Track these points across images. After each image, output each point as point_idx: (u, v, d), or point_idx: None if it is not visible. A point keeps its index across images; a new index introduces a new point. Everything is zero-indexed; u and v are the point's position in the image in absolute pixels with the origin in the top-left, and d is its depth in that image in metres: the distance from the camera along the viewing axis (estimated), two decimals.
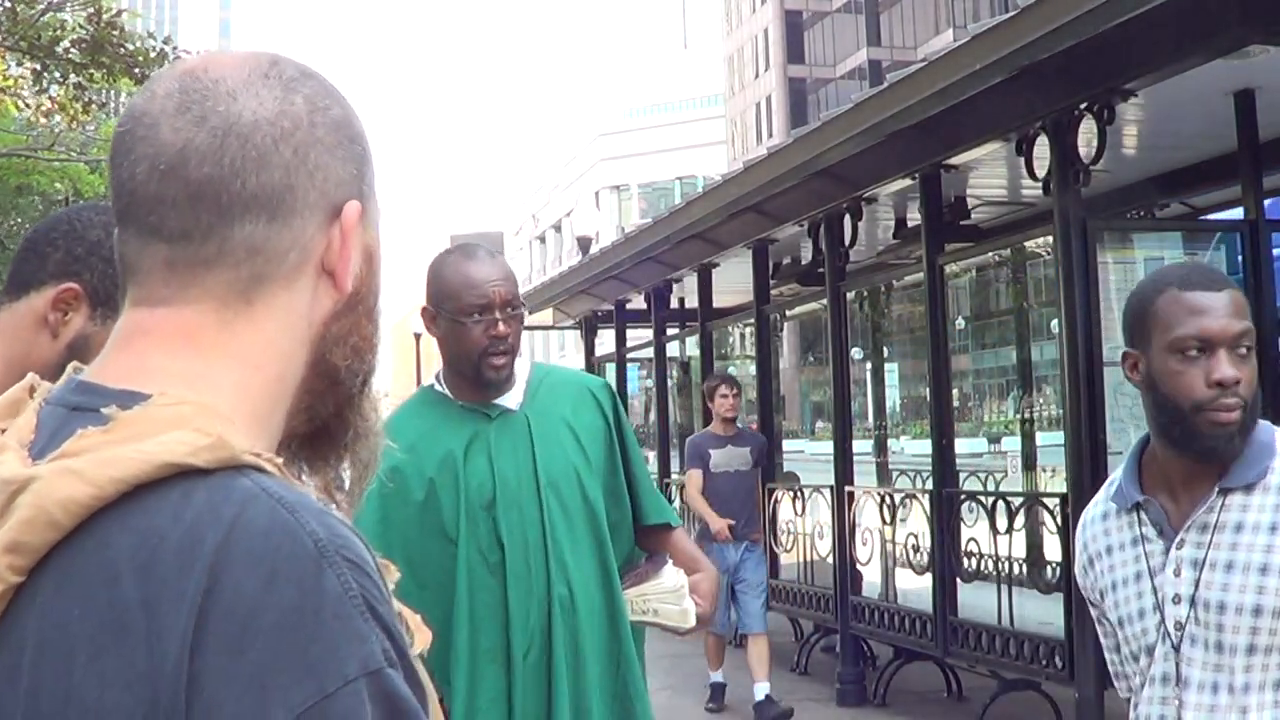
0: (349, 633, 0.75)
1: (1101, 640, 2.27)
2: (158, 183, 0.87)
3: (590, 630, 2.77)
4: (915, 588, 7.63)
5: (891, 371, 9.82)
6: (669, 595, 2.92)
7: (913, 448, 9.83)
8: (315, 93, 0.91)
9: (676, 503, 10.76)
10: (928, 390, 7.58)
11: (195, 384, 0.85)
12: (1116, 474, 2.18)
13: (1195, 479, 2.04)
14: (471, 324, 2.74)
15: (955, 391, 8.37)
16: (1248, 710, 1.97)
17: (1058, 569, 6.17)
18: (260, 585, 0.74)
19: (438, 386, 2.90)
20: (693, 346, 12.41)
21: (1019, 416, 8.23)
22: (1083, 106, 5.76)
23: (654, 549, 2.99)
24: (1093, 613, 2.27)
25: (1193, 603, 2.01)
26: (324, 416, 0.96)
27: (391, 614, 0.79)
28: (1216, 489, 2.01)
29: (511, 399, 2.84)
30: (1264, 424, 2.06)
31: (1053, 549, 6.39)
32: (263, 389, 0.89)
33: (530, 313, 16.26)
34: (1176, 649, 2.03)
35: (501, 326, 2.74)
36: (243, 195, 0.86)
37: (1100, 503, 2.21)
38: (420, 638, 0.90)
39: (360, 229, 0.92)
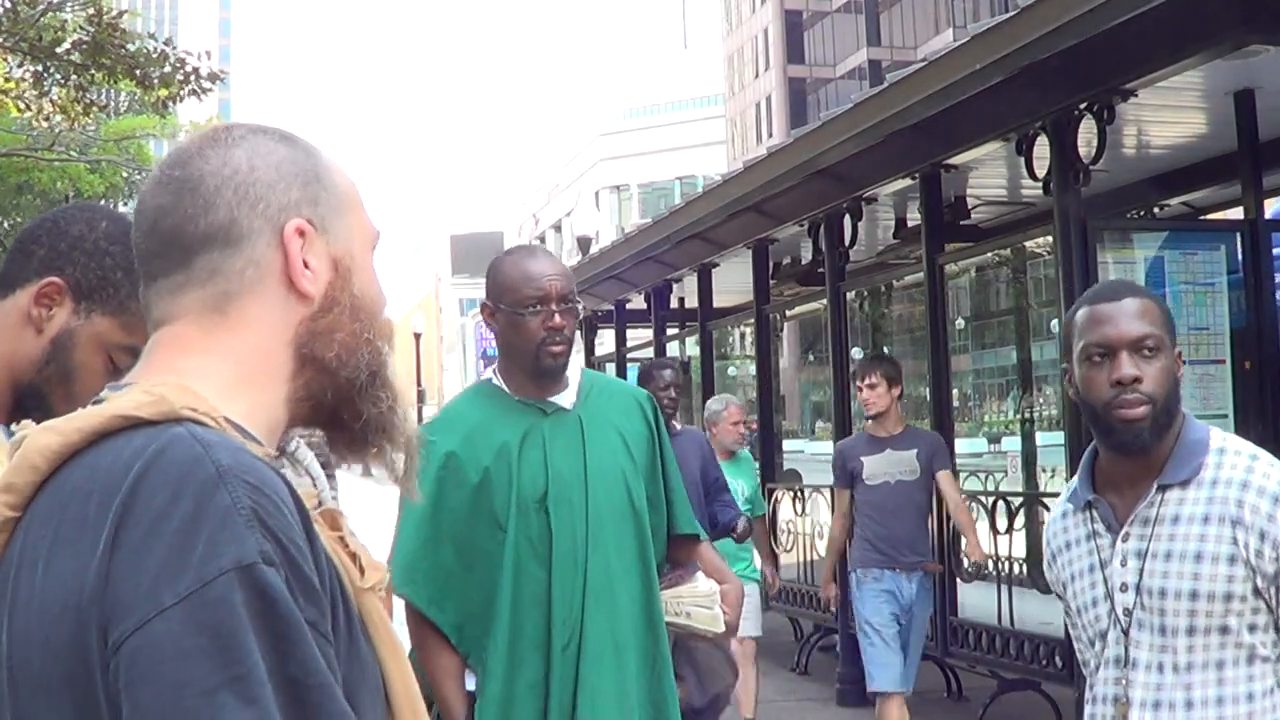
0: (230, 536, 0.92)
1: (1071, 630, 2.44)
2: (145, 240, 1.13)
3: (630, 628, 2.86)
4: None
5: None
6: (702, 599, 3.05)
7: None
8: (257, 144, 1.14)
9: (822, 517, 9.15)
10: (928, 390, 7.58)
11: (187, 376, 1.06)
12: (1075, 477, 2.36)
13: (1136, 478, 2.22)
14: (529, 315, 2.87)
15: (955, 391, 8.36)
16: (1191, 687, 2.14)
17: None
18: (165, 500, 0.93)
19: (495, 380, 3.01)
20: (693, 346, 12.41)
21: (1019, 416, 8.23)
22: (1083, 106, 5.76)
23: (682, 560, 3.11)
24: (1060, 604, 2.45)
25: (1138, 590, 2.20)
26: (329, 404, 1.14)
27: (289, 527, 0.96)
28: (1155, 485, 2.19)
29: (565, 398, 2.96)
30: (1199, 424, 2.26)
31: None
32: (246, 380, 1.09)
33: None
34: (1126, 633, 2.22)
35: (558, 318, 2.87)
36: (197, 234, 1.10)
37: (1061, 504, 2.40)
38: (372, 574, 1.07)
39: (313, 242, 1.12)
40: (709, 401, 7.68)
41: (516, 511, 2.83)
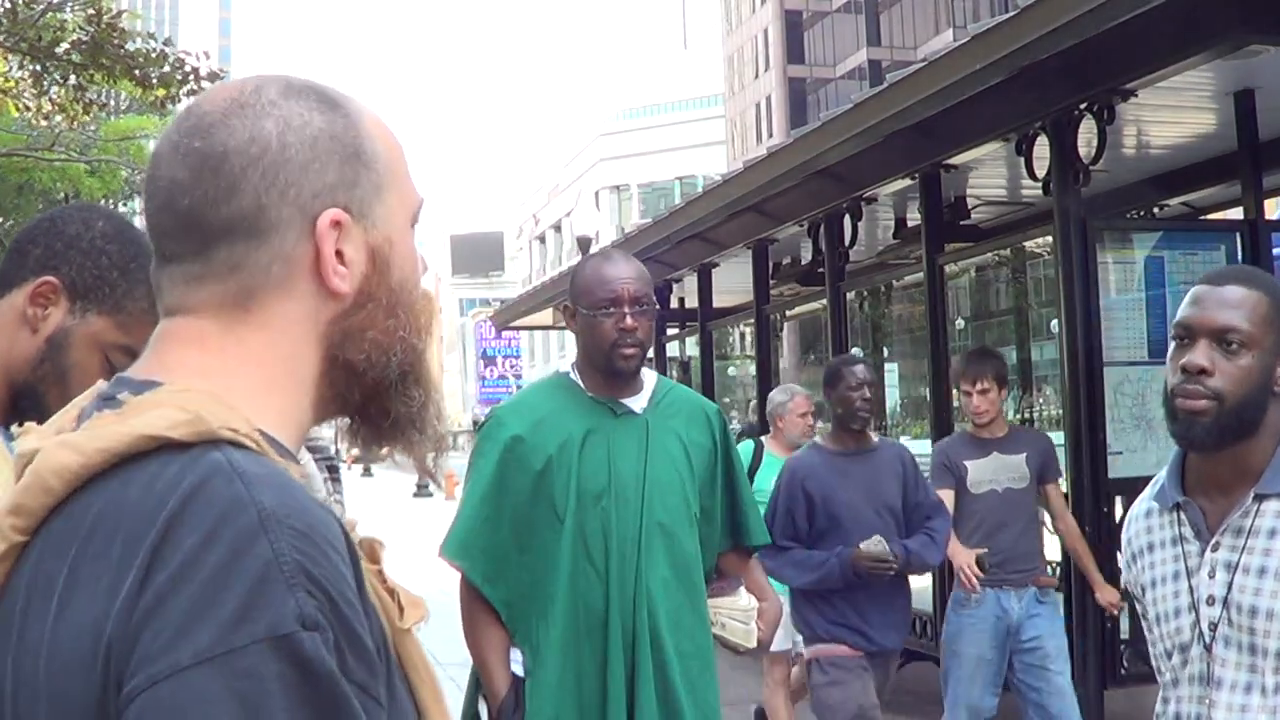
0: (268, 596, 0.81)
1: (1146, 635, 2.25)
2: (158, 216, 1.00)
3: (675, 627, 2.96)
4: (915, 588, 7.60)
5: (891, 371, 9.80)
6: (739, 613, 3.17)
7: (913, 448, 9.80)
8: (290, 113, 0.99)
9: None
10: (928, 390, 7.58)
11: (208, 376, 0.96)
12: (1162, 472, 2.19)
13: (1230, 483, 2.05)
14: (603, 317, 2.98)
15: (955, 391, 8.35)
16: (1278, 711, 1.96)
17: (1057, 569, 6.16)
18: (198, 545, 0.82)
19: (571, 375, 3.13)
20: (693, 346, 12.40)
21: (1019, 416, 8.22)
22: (1083, 106, 5.76)
23: (730, 571, 3.24)
24: (1138, 608, 2.27)
25: (1225, 605, 2.02)
26: (355, 404, 1.05)
27: (339, 578, 0.85)
28: (1252, 494, 2.02)
29: (636, 402, 3.07)
30: None
31: (1053, 549, 6.39)
32: (274, 384, 0.98)
33: (530, 313, 16.22)
34: (1209, 649, 2.04)
35: (630, 320, 2.98)
36: (218, 221, 0.97)
37: (1145, 500, 2.22)
38: (412, 613, 0.97)
39: (349, 232, 1.00)
40: (772, 393, 7.09)
41: (575, 504, 2.95)
